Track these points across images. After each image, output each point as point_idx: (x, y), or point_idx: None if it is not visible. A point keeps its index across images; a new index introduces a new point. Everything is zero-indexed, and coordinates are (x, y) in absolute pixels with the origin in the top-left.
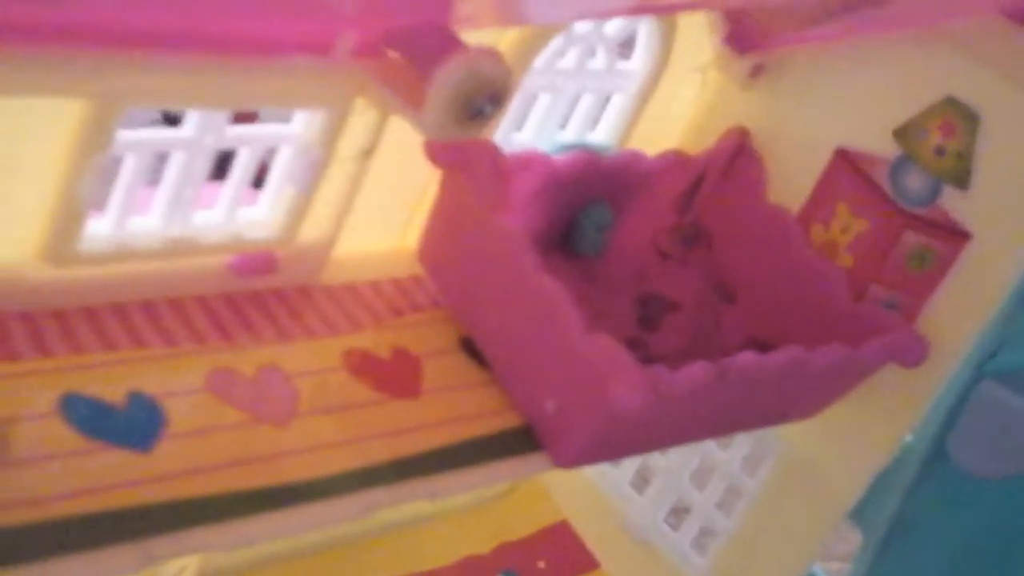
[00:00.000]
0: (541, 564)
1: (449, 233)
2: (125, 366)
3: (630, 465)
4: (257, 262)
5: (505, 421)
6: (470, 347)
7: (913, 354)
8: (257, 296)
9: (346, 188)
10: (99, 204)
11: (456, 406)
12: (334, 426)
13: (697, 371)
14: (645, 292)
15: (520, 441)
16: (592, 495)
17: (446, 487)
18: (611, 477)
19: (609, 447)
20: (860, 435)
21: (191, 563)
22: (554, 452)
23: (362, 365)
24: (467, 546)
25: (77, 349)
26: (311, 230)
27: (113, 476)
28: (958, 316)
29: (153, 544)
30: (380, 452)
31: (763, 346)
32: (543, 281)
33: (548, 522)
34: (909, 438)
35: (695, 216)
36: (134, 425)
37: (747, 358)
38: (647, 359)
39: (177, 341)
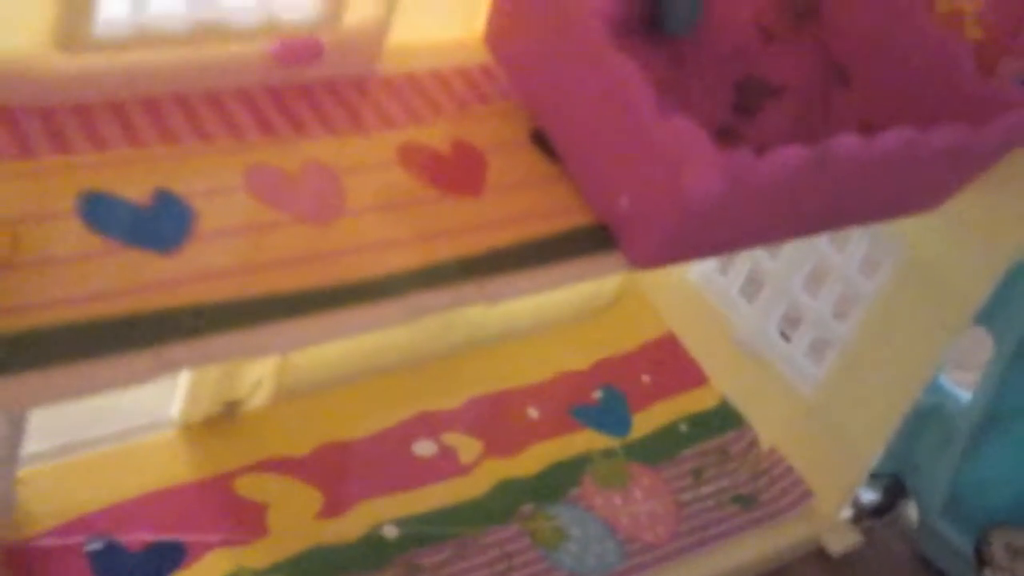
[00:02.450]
0: (645, 379)
1: (520, 14)
2: (153, 163)
3: (739, 271)
4: (300, 49)
5: (576, 219)
6: (541, 140)
7: None
8: (306, 89)
9: None
10: None
11: (523, 203)
12: (385, 225)
13: (788, 155)
14: (744, 76)
15: (593, 240)
16: (699, 305)
17: (509, 289)
18: (718, 285)
19: (690, 243)
20: (988, 229)
21: (268, 375)
22: (629, 251)
23: (419, 160)
24: (563, 362)
25: (100, 145)
26: (357, 12)
27: (134, 279)
28: None
29: (172, 350)
30: (436, 251)
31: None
32: (616, 59)
33: (652, 335)
34: None
35: None
36: (160, 225)
37: (850, 140)
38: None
39: (213, 136)
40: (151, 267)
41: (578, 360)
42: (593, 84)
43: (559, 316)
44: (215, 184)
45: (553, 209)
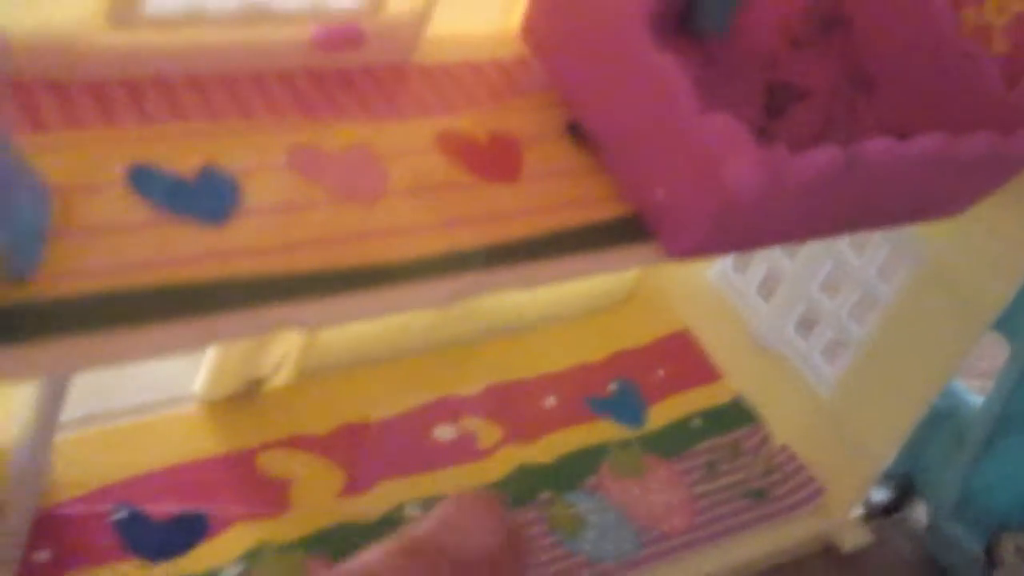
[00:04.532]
0: (659, 373)
1: (558, 8)
2: (199, 138)
3: (756, 271)
4: (342, 35)
5: (612, 209)
6: (577, 132)
7: None
8: (345, 73)
9: None
10: None
11: (558, 192)
12: (425, 208)
13: (823, 156)
14: (773, 80)
15: (628, 230)
16: (716, 303)
17: (545, 275)
18: (736, 284)
19: (726, 236)
20: (1007, 236)
21: (290, 357)
22: (666, 241)
23: (457, 147)
24: (579, 353)
25: (147, 119)
26: (398, 2)
27: (181, 250)
28: None
29: (219, 321)
30: (473, 236)
31: (902, 139)
32: (658, 56)
33: (668, 331)
34: None
35: None
36: (207, 198)
37: (882, 144)
38: None
39: (256, 115)
40: (198, 239)
41: (594, 352)
42: (633, 79)
43: (577, 309)
44: (259, 162)
45: (589, 199)
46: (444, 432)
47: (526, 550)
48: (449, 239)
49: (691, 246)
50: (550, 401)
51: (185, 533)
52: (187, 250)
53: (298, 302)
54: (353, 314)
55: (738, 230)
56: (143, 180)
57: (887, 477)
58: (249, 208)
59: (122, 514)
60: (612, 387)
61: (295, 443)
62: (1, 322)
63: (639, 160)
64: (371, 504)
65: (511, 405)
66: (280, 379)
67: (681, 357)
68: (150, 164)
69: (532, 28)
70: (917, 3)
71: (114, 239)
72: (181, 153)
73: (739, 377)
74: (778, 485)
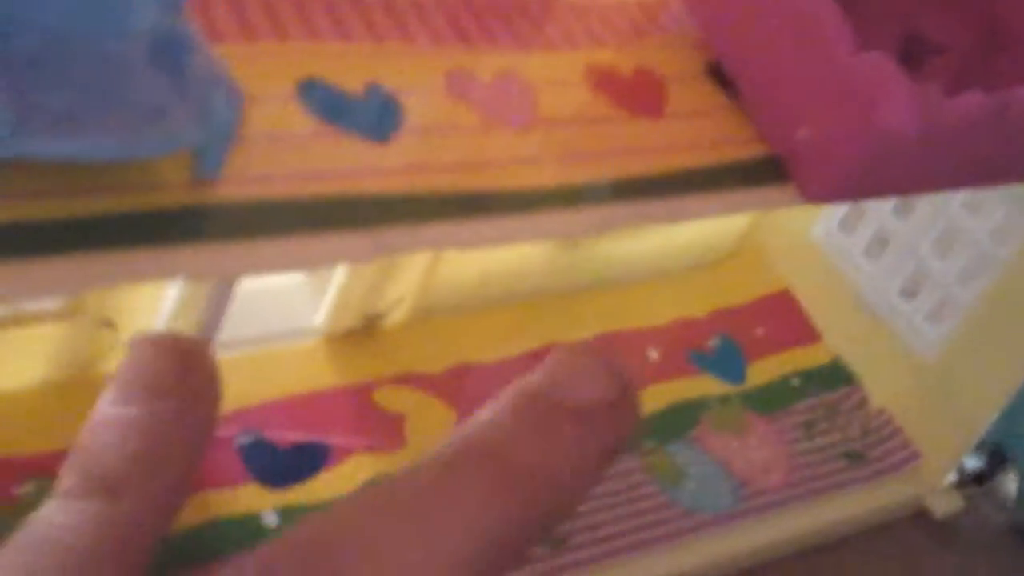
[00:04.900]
0: (759, 332)
1: None
2: (363, 58)
3: (863, 232)
4: None
5: (753, 150)
6: (718, 73)
7: None
8: (496, 4)
9: None
10: None
11: (700, 131)
12: (572, 137)
13: (974, 100)
14: (909, 30)
15: (767, 172)
16: (819, 263)
17: (685, 209)
18: (842, 244)
19: (869, 181)
20: None
21: (408, 297)
22: (805, 184)
23: (604, 80)
24: (682, 308)
25: (315, 36)
26: None
27: (350, 162)
28: None
29: (387, 233)
30: (618, 168)
31: None
32: None
33: (769, 290)
34: None
35: None
36: (372, 115)
37: None
38: None
39: (416, 39)
40: (367, 154)
41: (696, 307)
42: (781, 16)
43: (681, 264)
44: (419, 83)
45: (729, 139)
46: None
47: (637, 402)
48: (597, 169)
49: (830, 190)
50: (653, 353)
51: (308, 460)
52: (359, 163)
53: (448, 221)
54: (491, 239)
55: (883, 175)
56: (314, 94)
57: (980, 446)
58: (410, 127)
59: (247, 439)
60: (713, 343)
61: (410, 380)
62: (188, 221)
63: (783, 101)
64: None
65: (616, 355)
66: (397, 317)
67: (782, 317)
68: (320, 78)
69: None
70: None
71: (289, 149)
72: (348, 70)
73: (839, 338)
74: (874, 448)
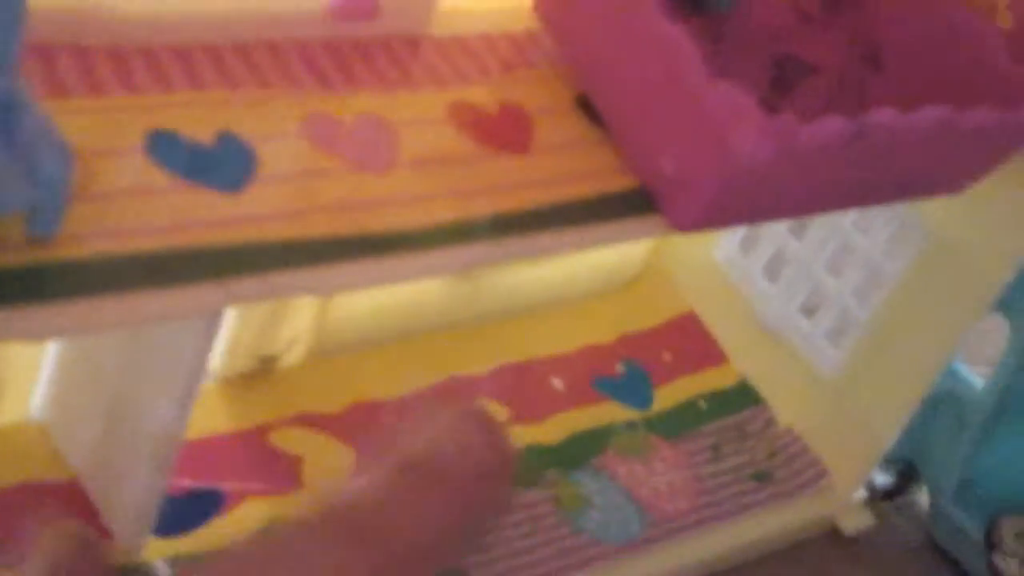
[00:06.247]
0: (666, 356)
1: None
2: (216, 106)
3: (763, 252)
4: (357, 5)
5: (619, 182)
6: (586, 105)
7: None
8: (360, 44)
9: None
10: None
11: (567, 164)
12: (435, 178)
13: (831, 125)
14: (780, 54)
15: (635, 203)
16: (722, 285)
17: (553, 245)
18: (742, 266)
19: (731, 208)
20: (1011, 216)
21: (302, 338)
22: (671, 214)
23: (468, 118)
24: (587, 334)
25: (166, 87)
26: None
27: (200, 214)
28: None
29: (236, 283)
30: (483, 206)
31: None
32: (667, 26)
33: (674, 313)
34: None
35: None
36: (224, 165)
37: (889, 114)
38: None
39: (271, 84)
40: (216, 205)
41: (602, 333)
42: (642, 50)
43: (585, 290)
44: (275, 130)
45: (596, 172)
46: None
47: (514, 467)
48: (458, 209)
49: (695, 218)
50: (557, 382)
51: (202, 507)
52: (208, 215)
53: (311, 269)
54: (363, 281)
55: (744, 201)
56: (163, 146)
57: (889, 461)
58: (266, 175)
59: None
60: (620, 368)
61: (307, 421)
62: (23, 282)
63: (646, 132)
64: None
65: (519, 386)
66: (292, 358)
67: (688, 339)
68: (170, 130)
69: (543, 1)
70: None
71: (136, 203)
72: (200, 120)
73: (744, 359)
74: (782, 467)
